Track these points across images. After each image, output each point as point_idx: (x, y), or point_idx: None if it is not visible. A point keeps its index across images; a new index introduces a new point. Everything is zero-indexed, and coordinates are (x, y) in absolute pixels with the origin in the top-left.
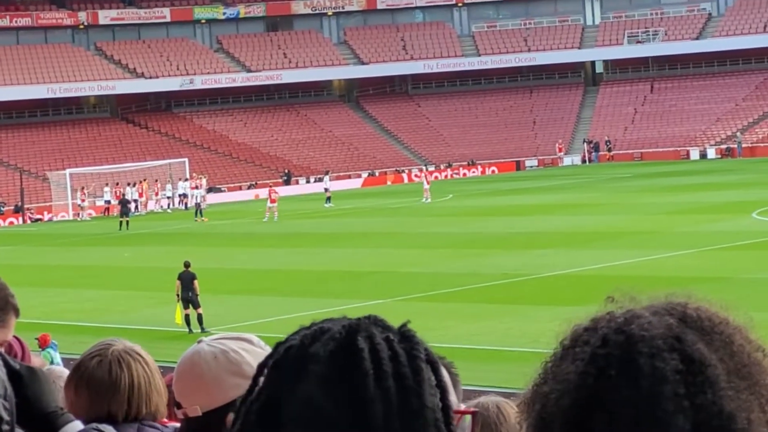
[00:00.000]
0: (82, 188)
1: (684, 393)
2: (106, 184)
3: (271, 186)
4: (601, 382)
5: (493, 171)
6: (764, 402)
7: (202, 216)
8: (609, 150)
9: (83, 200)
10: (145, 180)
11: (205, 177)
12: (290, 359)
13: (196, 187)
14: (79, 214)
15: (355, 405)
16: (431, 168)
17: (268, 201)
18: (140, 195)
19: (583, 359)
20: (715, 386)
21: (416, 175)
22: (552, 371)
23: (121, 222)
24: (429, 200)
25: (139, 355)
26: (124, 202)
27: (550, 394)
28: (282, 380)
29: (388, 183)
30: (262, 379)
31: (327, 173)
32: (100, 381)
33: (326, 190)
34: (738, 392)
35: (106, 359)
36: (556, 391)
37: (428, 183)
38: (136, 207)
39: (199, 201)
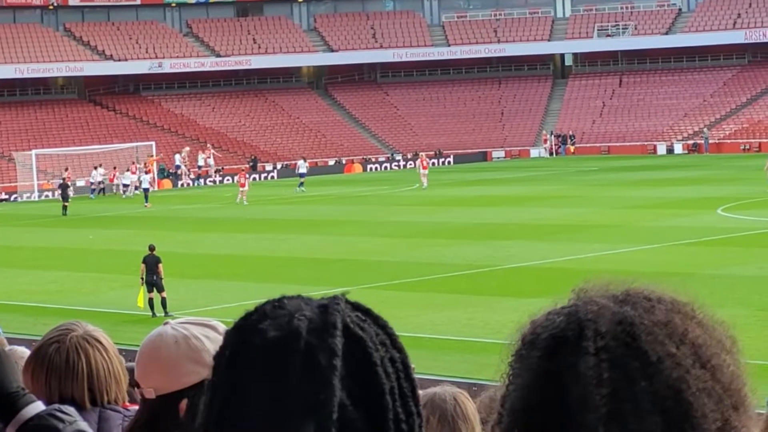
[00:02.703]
0: (66, 169)
1: (701, 375)
2: (94, 168)
3: (242, 170)
4: (616, 373)
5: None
6: (722, 391)
7: (146, 201)
8: (573, 144)
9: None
10: (152, 158)
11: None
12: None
13: (148, 172)
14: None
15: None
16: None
17: (239, 185)
18: (133, 173)
19: (591, 353)
20: (718, 365)
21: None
22: (558, 364)
23: (64, 207)
24: (426, 186)
25: (98, 341)
26: (63, 186)
27: (564, 385)
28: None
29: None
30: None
31: (304, 159)
32: (58, 368)
33: (301, 175)
34: (703, 382)
35: (64, 346)
36: (574, 382)
37: (425, 168)
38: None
39: (147, 186)
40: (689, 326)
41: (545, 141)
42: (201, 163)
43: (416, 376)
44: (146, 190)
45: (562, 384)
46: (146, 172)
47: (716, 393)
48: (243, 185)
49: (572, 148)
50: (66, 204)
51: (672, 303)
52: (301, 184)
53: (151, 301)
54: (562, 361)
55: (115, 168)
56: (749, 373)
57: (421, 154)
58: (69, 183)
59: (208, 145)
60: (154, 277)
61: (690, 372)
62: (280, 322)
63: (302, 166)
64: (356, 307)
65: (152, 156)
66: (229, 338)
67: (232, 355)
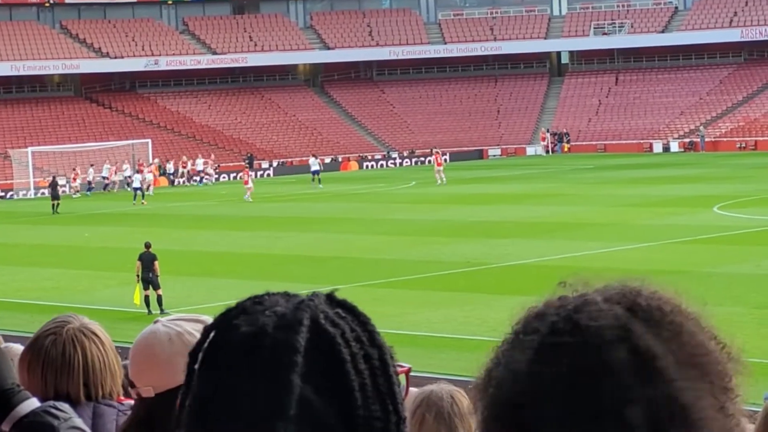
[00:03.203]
0: (74, 169)
1: (633, 385)
2: (91, 165)
3: (246, 168)
4: (551, 371)
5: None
6: (716, 390)
7: (142, 199)
8: (567, 142)
9: (74, 180)
10: (152, 165)
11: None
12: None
13: (139, 172)
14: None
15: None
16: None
17: (243, 183)
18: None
19: (532, 348)
20: (666, 377)
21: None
22: (504, 357)
23: (53, 205)
24: (444, 182)
25: (95, 334)
26: (54, 185)
27: (501, 380)
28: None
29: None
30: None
31: (315, 156)
32: (54, 360)
33: (314, 173)
34: (690, 382)
35: (61, 338)
36: (506, 377)
37: (439, 165)
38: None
39: (138, 186)
40: (687, 330)
41: (543, 139)
42: (200, 168)
43: (412, 374)
44: (137, 189)
45: (538, 379)
46: (138, 172)
47: (713, 394)
48: (246, 182)
49: (566, 147)
50: (57, 202)
51: (675, 307)
52: (313, 179)
53: (146, 299)
54: (541, 356)
55: (154, 164)
56: (745, 372)
57: (435, 150)
58: (74, 183)
59: (212, 155)
60: (150, 275)
61: (685, 372)
62: (253, 318)
63: (314, 164)
64: (339, 303)
65: (153, 162)
66: (204, 334)
67: (206, 351)
